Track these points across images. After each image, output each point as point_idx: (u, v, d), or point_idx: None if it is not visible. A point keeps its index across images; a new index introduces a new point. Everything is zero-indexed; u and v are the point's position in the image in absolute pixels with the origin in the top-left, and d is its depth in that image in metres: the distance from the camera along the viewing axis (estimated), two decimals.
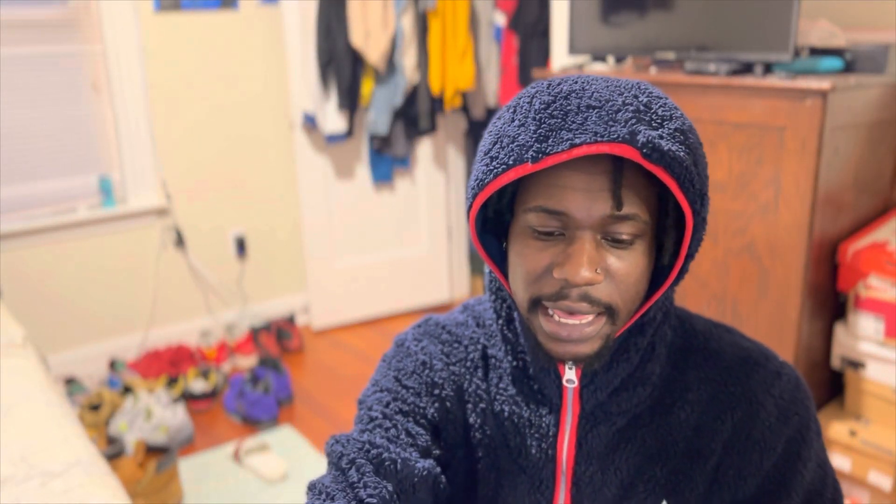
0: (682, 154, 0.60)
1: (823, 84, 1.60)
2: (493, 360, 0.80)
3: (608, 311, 0.64)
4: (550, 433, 0.76)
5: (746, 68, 1.84)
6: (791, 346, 1.77)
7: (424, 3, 3.04)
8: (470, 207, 0.66)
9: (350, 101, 3.09)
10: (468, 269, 3.77)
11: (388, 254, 3.48)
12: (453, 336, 0.83)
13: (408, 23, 3.05)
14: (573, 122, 0.60)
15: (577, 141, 0.59)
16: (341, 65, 3.02)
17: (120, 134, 2.88)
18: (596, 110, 0.60)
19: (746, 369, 0.75)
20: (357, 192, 3.35)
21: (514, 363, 0.77)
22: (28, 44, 2.66)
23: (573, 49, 2.20)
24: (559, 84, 0.64)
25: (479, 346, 0.81)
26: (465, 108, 3.36)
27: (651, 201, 0.64)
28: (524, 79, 3.02)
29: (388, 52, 3.06)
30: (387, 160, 3.35)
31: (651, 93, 0.63)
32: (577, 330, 0.64)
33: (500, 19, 3.15)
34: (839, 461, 1.85)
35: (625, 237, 0.62)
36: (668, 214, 0.66)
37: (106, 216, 2.87)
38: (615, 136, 0.58)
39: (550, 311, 0.65)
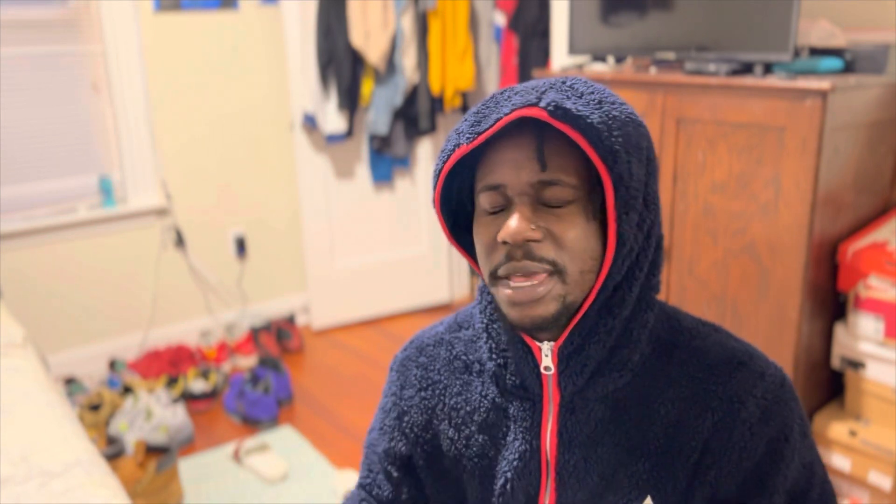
0: (587, 112, 0.66)
1: (823, 84, 1.60)
2: (475, 366, 0.85)
3: (556, 270, 0.69)
4: (534, 424, 0.79)
5: (746, 68, 1.84)
6: (791, 346, 1.77)
7: (424, 3, 3.04)
8: (434, 201, 0.76)
9: (350, 101, 3.09)
10: (468, 269, 3.77)
11: (388, 254, 3.48)
12: (430, 358, 0.89)
13: (408, 23, 3.05)
14: (502, 106, 0.69)
15: (500, 115, 0.68)
16: (341, 65, 3.02)
17: (120, 134, 2.88)
18: (520, 93, 0.69)
19: (729, 369, 0.76)
20: (357, 192, 3.35)
21: (497, 361, 0.80)
22: (28, 44, 2.66)
23: (573, 49, 2.20)
24: (497, 90, 0.74)
25: (458, 362, 0.87)
26: (464, 108, 3.35)
27: (579, 167, 0.69)
28: (524, 79, 3.02)
29: (388, 52, 3.06)
30: (387, 160, 3.35)
31: (586, 81, 0.72)
32: (530, 291, 0.69)
33: (500, 19, 3.15)
34: (839, 461, 1.85)
35: (555, 202, 0.69)
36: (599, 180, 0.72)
37: (106, 216, 2.87)
38: (527, 102, 0.67)
39: (506, 279, 0.71)
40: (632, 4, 2.03)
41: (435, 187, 0.75)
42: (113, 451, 2.08)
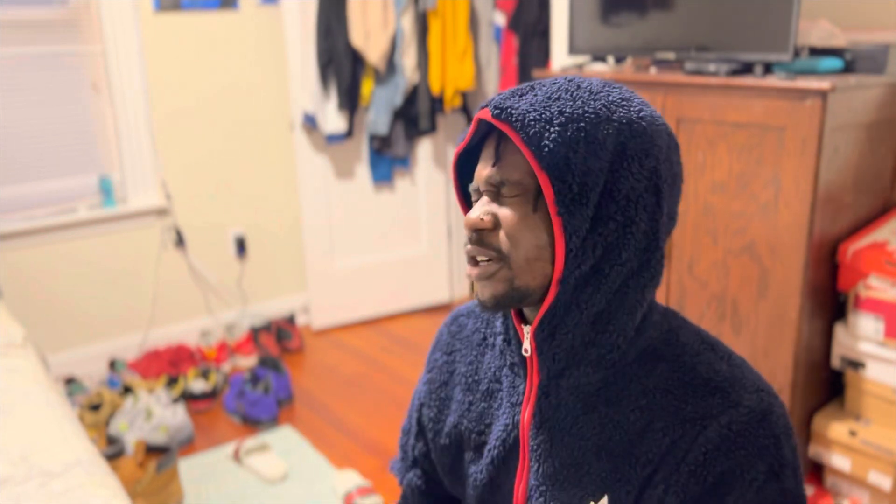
0: (528, 110, 0.71)
1: (823, 84, 1.60)
2: (490, 339, 0.92)
3: (500, 256, 0.75)
4: (518, 401, 0.84)
5: (746, 68, 1.84)
6: (791, 346, 1.77)
7: (424, 3, 3.04)
8: (457, 197, 0.86)
9: (350, 101, 3.09)
10: None
11: (388, 254, 3.48)
12: (459, 327, 0.98)
13: (408, 23, 3.05)
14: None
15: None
16: (341, 65, 3.02)
17: (120, 134, 2.88)
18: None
19: (705, 391, 0.74)
20: (357, 192, 3.35)
21: (505, 336, 0.87)
22: (28, 44, 2.66)
23: (573, 49, 2.20)
24: None
25: (477, 334, 0.95)
26: (464, 108, 3.36)
27: (527, 163, 0.74)
28: (524, 79, 3.02)
29: (388, 52, 3.06)
30: (387, 160, 3.35)
31: (568, 80, 0.76)
32: (483, 268, 0.76)
33: (500, 19, 3.15)
34: (839, 461, 1.86)
35: (509, 194, 0.75)
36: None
37: (106, 216, 2.87)
38: (483, 105, 0.75)
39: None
40: (632, 4, 2.03)
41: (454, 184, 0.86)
42: (113, 451, 2.08)
